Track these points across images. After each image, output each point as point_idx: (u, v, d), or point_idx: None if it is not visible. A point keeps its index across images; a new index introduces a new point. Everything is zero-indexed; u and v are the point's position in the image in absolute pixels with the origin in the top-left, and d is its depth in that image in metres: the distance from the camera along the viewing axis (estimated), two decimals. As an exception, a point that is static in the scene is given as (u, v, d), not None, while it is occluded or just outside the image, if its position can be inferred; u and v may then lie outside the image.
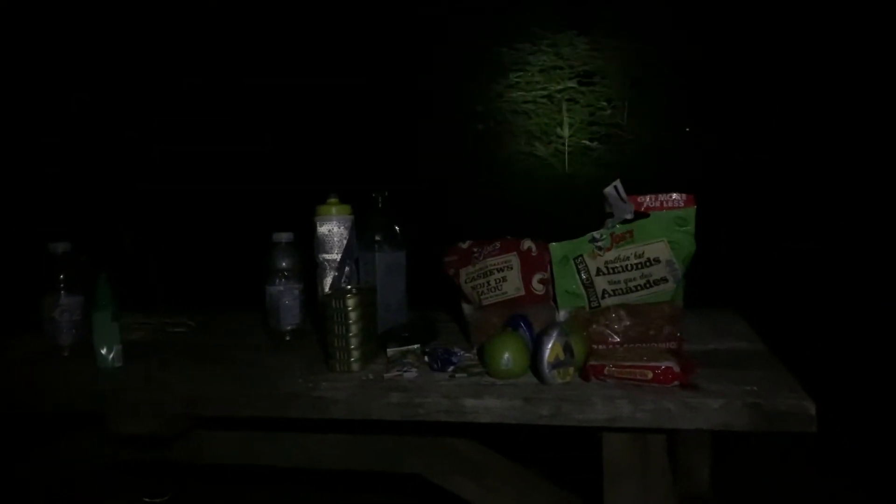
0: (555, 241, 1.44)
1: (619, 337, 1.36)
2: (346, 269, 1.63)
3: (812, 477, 2.64)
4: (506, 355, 1.27)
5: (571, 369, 1.24)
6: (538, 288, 1.45)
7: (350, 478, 2.32)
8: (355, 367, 1.36)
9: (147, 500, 2.53)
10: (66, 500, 2.03)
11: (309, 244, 1.68)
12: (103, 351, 1.47)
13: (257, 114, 5.45)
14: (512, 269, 1.46)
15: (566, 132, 6.09)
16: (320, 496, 2.59)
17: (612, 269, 1.39)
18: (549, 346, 1.21)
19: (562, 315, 1.42)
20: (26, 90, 4.88)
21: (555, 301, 1.44)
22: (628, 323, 1.37)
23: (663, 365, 1.18)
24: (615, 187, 1.37)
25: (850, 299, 4.45)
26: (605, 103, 6.05)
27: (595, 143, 6.03)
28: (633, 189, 1.38)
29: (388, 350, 1.46)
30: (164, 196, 5.21)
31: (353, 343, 1.36)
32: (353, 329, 1.35)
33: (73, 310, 1.61)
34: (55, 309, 1.60)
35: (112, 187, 5.09)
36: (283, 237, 1.65)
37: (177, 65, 5.37)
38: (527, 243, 1.47)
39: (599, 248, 1.39)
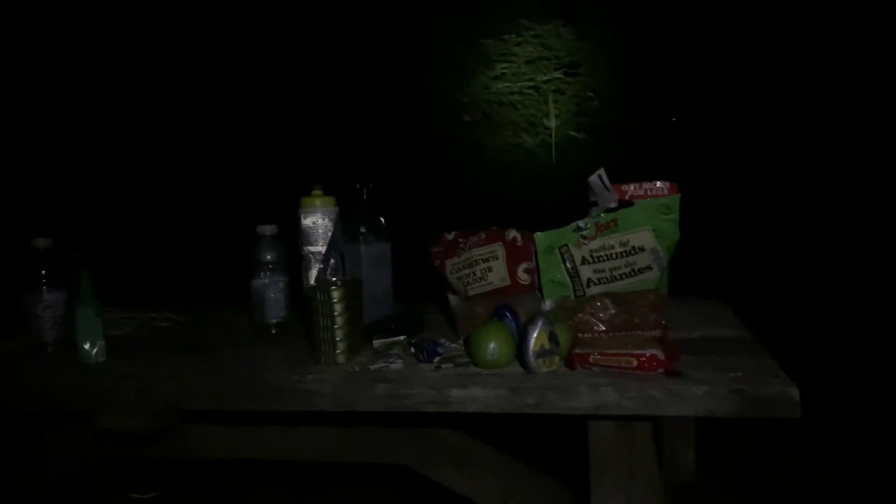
0: (540, 231, 1.44)
1: (604, 325, 1.37)
2: (332, 261, 1.62)
3: (796, 464, 2.66)
4: (491, 345, 1.27)
5: (557, 358, 1.24)
6: (524, 278, 1.45)
7: (339, 470, 2.32)
8: (341, 359, 1.36)
9: (135, 496, 2.52)
10: (53, 497, 2.02)
11: (294, 237, 1.68)
12: (86, 346, 1.46)
13: (240, 103, 5.42)
14: (497, 259, 1.46)
15: (553, 123, 6.09)
16: (309, 489, 2.59)
17: (597, 257, 1.39)
18: (535, 335, 1.21)
19: (547, 304, 1.42)
20: (7, 85, 4.83)
21: (540, 290, 1.44)
22: (613, 311, 1.37)
23: (648, 353, 1.18)
24: (599, 176, 1.37)
25: (836, 288, 4.48)
26: (591, 94, 6.05)
27: (582, 134, 6.03)
28: (619, 178, 1.38)
29: (374, 342, 1.46)
30: (147, 190, 5.17)
31: (339, 335, 1.35)
32: (339, 321, 1.35)
33: (56, 305, 1.60)
34: (38, 305, 1.59)
35: (96, 182, 5.05)
36: (268, 230, 1.64)
37: (157, 59, 5.33)
38: (512, 233, 1.47)
39: (584, 237, 1.39)
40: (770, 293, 4.28)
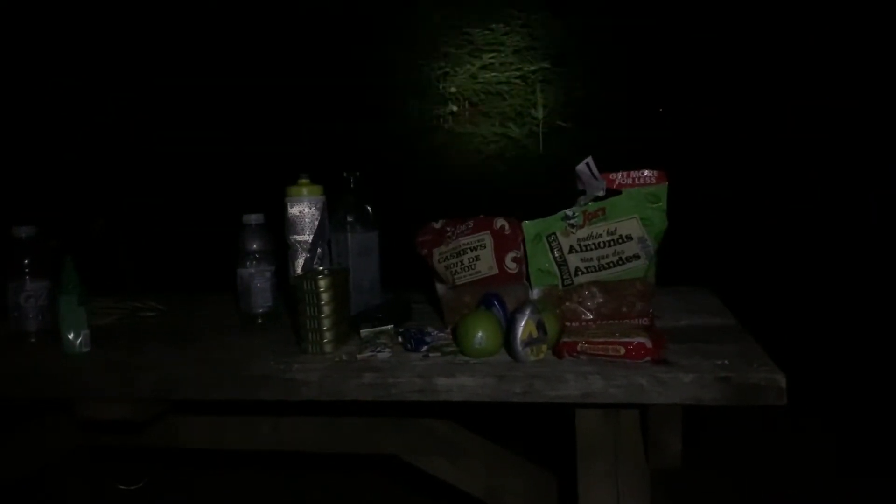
0: (528, 220, 1.43)
1: (591, 314, 1.37)
2: (318, 250, 1.62)
3: (782, 451, 2.68)
4: (479, 334, 1.26)
5: (544, 347, 1.24)
6: (511, 266, 1.44)
7: (326, 459, 2.32)
8: (328, 348, 1.35)
9: (122, 486, 2.51)
10: (38, 487, 2.01)
11: (280, 226, 1.66)
12: (70, 336, 1.44)
13: (226, 89, 5.38)
14: (485, 247, 1.45)
15: (540, 113, 6.09)
16: (296, 478, 2.58)
17: (585, 246, 1.39)
18: (523, 324, 1.21)
19: (535, 293, 1.42)
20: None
21: (528, 279, 1.44)
22: (601, 300, 1.37)
23: (635, 341, 1.18)
24: (587, 164, 1.37)
25: (823, 276, 4.52)
26: (578, 84, 6.04)
27: (569, 124, 6.03)
28: (606, 167, 1.38)
29: (361, 331, 1.45)
30: (133, 179, 5.13)
31: (326, 325, 1.34)
32: (326, 310, 1.34)
33: (38, 295, 1.57)
34: (20, 294, 1.56)
35: (80, 171, 5.00)
36: (253, 219, 1.63)
37: (142, 44, 5.28)
38: (500, 222, 1.46)
39: (572, 226, 1.39)
40: (757, 281, 4.31)
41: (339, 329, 1.38)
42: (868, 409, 3.00)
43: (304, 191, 1.63)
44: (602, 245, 1.38)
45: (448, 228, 1.51)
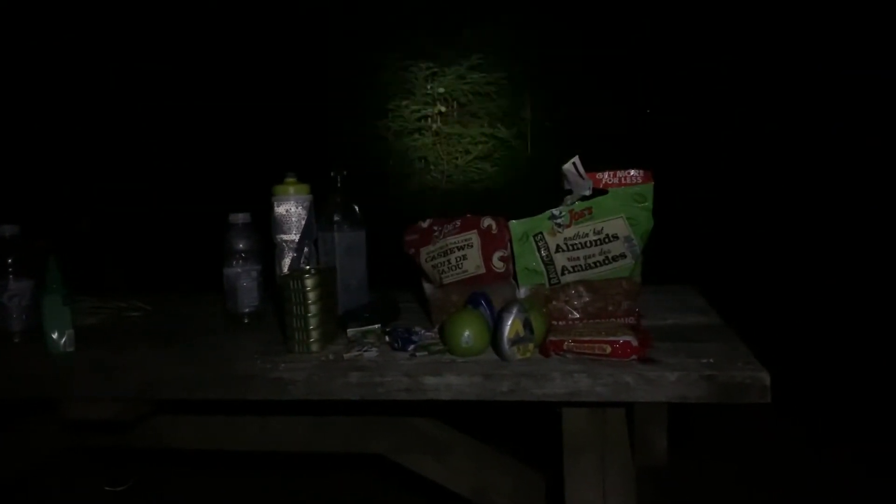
0: (515, 219, 1.44)
1: (578, 313, 1.37)
2: (305, 249, 1.61)
3: (768, 448, 2.70)
4: (466, 333, 1.26)
5: (531, 345, 1.25)
6: (498, 265, 1.45)
7: (314, 459, 2.31)
8: (315, 347, 1.35)
9: (108, 488, 2.50)
10: (22, 490, 1.99)
11: (267, 225, 1.66)
12: (54, 336, 1.43)
13: (214, 92, 5.36)
14: (472, 247, 1.46)
15: (528, 113, 6.10)
16: (284, 478, 2.58)
17: (572, 245, 1.39)
18: (509, 322, 1.21)
19: (522, 292, 1.42)
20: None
21: (515, 278, 1.44)
22: (587, 299, 1.37)
23: (621, 339, 1.19)
24: (574, 164, 1.37)
25: (806, 274, 4.55)
26: (566, 84, 6.06)
27: (556, 124, 6.05)
28: (593, 167, 1.38)
29: (348, 330, 1.45)
30: (119, 179, 5.10)
31: (313, 324, 1.34)
32: (312, 310, 1.34)
33: (22, 295, 1.56)
34: (4, 294, 1.55)
35: (66, 171, 4.97)
36: (240, 218, 1.62)
37: (131, 50, 5.25)
38: (487, 221, 1.47)
39: (559, 225, 1.40)
40: (742, 280, 4.33)
41: (326, 328, 1.38)
42: (852, 405, 3.02)
43: (291, 190, 1.63)
44: (589, 244, 1.38)
45: (435, 228, 1.51)
